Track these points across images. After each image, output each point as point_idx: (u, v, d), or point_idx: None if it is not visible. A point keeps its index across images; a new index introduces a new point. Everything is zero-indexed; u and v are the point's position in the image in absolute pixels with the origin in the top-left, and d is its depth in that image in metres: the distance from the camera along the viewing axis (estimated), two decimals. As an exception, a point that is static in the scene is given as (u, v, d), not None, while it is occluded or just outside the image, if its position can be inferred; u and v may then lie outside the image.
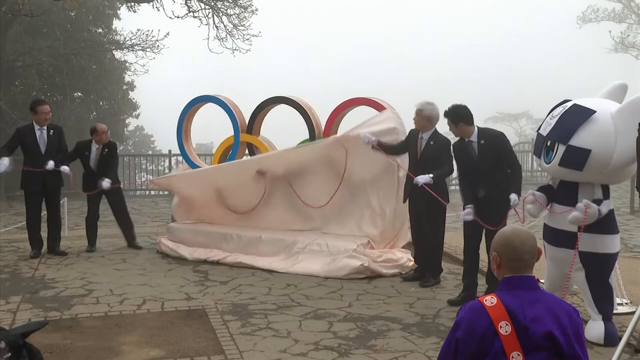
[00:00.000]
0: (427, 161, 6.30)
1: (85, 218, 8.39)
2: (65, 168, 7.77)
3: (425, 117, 6.32)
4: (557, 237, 4.90)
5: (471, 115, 5.73)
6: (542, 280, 5.24)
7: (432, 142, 6.34)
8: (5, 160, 7.37)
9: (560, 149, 4.68)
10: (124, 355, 4.57)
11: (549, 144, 4.82)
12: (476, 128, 5.74)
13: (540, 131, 5.00)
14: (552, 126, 4.80)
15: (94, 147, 8.12)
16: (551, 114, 4.96)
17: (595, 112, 4.59)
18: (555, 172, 4.86)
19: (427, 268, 6.49)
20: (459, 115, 5.68)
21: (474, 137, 5.72)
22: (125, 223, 8.39)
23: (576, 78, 49.04)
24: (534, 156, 5.22)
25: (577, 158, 4.58)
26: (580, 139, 4.58)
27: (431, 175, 6.11)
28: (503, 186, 5.62)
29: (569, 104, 4.84)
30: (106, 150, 8.10)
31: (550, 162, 4.80)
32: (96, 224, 8.31)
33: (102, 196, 8.24)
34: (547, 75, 57.91)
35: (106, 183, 7.90)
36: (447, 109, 5.79)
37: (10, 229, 9.67)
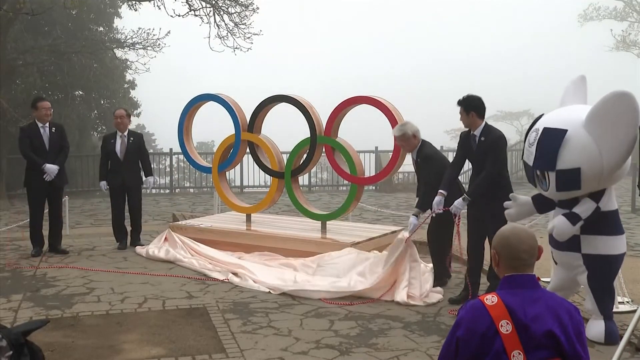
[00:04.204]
0: (420, 172, 6.36)
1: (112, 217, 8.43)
2: (49, 167, 7.63)
3: (408, 137, 6.32)
4: (560, 242, 4.89)
5: (484, 107, 5.72)
6: (543, 279, 5.24)
7: (418, 160, 6.38)
8: (51, 165, 7.65)
9: (552, 176, 4.66)
10: (125, 354, 4.57)
11: (538, 173, 4.79)
12: (484, 124, 5.73)
13: (524, 159, 4.95)
14: (533, 155, 4.76)
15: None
16: (527, 140, 4.90)
17: (567, 130, 4.58)
18: (557, 196, 4.83)
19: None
20: (472, 104, 5.68)
21: (477, 132, 5.73)
22: (134, 223, 8.43)
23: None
24: (531, 184, 5.13)
25: (570, 180, 4.57)
26: (565, 161, 4.55)
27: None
28: (500, 185, 5.63)
29: (540, 128, 4.77)
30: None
31: (548, 190, 4.78)
32: (123, 224, 8.37)
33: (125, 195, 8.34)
34: (548, 73, 57.87)
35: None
36: (461, 98, 5.77)
37: (12, 227, 9.68)
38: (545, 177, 4.72)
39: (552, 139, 4.62)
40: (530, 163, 4.82)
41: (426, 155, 6.32)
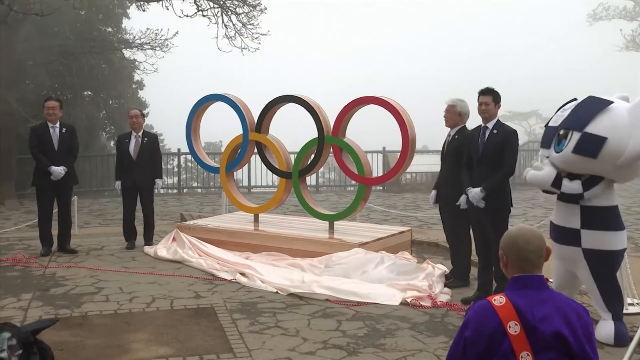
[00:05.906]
0: (451, 156, 6.35)
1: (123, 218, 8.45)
2: (55, 169, 7.65)
3: (455, 112, 6.38)
4: (562, 235, 4.88)
5: None
6: (551, 280, 5.22)
7: (456, 136, 6.38)
8: (58, 167, 7.70)
9: (575, 137, 4.64)
10: (133, 353, 4.59)
11: (561, 132, 4.79)
12: (497, 118, 5.78)
13: (550, 124, 5.00)
14: (565, 117, 4.82)
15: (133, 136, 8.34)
16: (562, 108, 4.97)
17: (613, 102, 4.64)
18: (566, 160, 4.72)
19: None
20: (499, 96, 5.74)
21: (491, 124, 5.73)
22: (146, 222, 8.45)
23: (586, 76, 48.75)
24: (540, 149, 5.20)
25: (592, 145, 4.57)
26: (596, 127, 4.58)
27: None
28: (499, 191, 5.63)
29: (583, 97, 4.87)
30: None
31: (561, 150, 4.73)
32: (133, 224, 8.37)
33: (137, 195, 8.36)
34: (557, 73, 57.64)
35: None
36: (487, 87, 5.80)
37: (21, 226, 9.73)
38: (567, 137, 4.70)
39: (595, 104, 4.68)
40: (557, 124, 4.85)
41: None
